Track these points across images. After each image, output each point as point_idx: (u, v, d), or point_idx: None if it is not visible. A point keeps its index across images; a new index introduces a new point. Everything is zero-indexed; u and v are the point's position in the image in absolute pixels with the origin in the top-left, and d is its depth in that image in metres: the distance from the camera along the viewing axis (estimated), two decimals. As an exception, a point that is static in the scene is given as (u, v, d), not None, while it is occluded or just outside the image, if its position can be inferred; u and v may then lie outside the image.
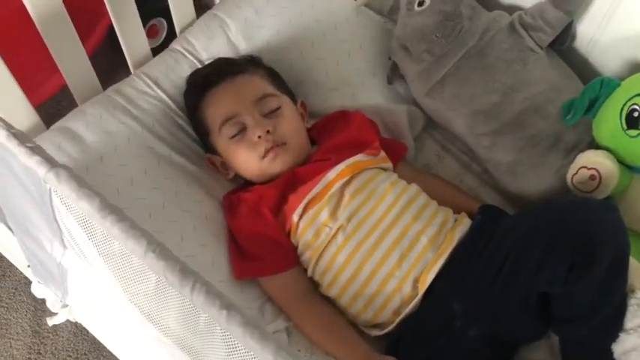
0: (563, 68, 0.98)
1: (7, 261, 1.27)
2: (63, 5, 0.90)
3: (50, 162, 0.62)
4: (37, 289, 1.01)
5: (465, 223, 0.90)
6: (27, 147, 0.62)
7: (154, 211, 0.89)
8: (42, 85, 1.34)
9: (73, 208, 0.63)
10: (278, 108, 0.95)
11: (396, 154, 1.01)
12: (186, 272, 0.56)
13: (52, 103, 1.40)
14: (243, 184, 0.99)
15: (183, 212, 0.91)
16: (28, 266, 1.00)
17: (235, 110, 0.93)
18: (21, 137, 0.63)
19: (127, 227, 0.58)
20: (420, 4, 1.01)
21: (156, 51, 1.65)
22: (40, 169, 0.62)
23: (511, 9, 1.02)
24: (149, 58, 1.10)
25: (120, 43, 1.04)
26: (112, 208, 0.60)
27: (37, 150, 0.63)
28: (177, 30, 1.13)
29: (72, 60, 0.97)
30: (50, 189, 0.64)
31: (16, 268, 1.27)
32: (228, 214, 0.95)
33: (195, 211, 0.93)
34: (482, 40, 0.97)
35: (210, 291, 0.56)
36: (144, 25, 1.59)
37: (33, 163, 0.62)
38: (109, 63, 1.20)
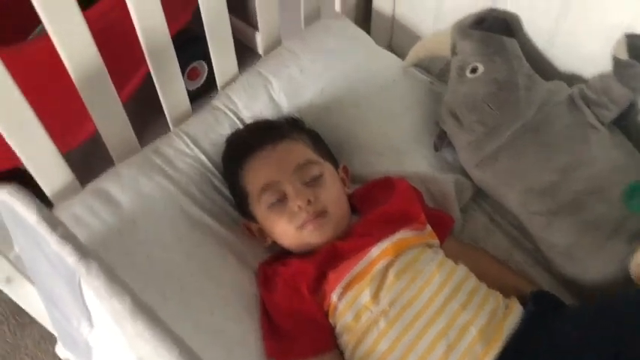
0: (626, 146, 0.91)
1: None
2: (100, 58, 0.88)
3: (81, 251, 0.59)
4: (62, 351, 0.98)
5: (516, 312, 0.83)
6: (58, 234, 0.59)
7: (184, 281, 0.85)
8: (75, 132, 1.33)
9: (103, 302, 0.59)
10: (320, 176, 0.91)
11: (443, 228, 0.96)
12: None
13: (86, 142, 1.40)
14: (280, 252, 0.95)
15: (214, 283, 0.87)
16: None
17: (276, 178, 0.89)
18: (51, 221, 0.60)
19: (159, 332, 0.53)
20: (473, 70, 0.96)
21: (195, 94, 1.67)
22: (71, 258, 0.59)
23: (570, 78, 0.96)
24: (189, 113, 1.07)
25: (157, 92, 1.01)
26: (143, 308, 0.56)
27: (68, 238, 0.59)
28: (218, 76, 1.10)
29: (108, 115, 0.94)
30: (79, 278, 0.60)
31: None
32: (262, 286, 0.90)
33: (227, 281, 0.88)
34: (539, 113, 0.91)
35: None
36: (184, 68, 1.59)
37: (63, 251, 0.58)
38: (146, 111, 1.19)
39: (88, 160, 1.60)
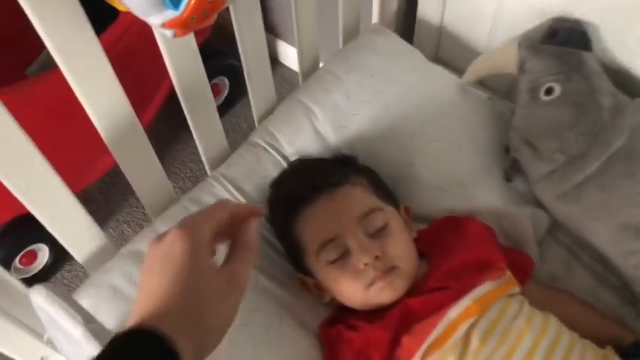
0: None
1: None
2: (126, 99, 0.75)
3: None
4: None
5: (617, 367, 0.74)
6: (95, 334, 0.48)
7: (241, 356, 0.75)
8: (94, 167, 1.23)
9: None
10: (385, 225, 0.80)
11: (523, 272, 0.85)
12: None
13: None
14: (341, 308, 0.84)
15: (275, 356, 0.77)
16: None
17: (336, 232, 0.78)
18: (96, 333, 0.49)
19: None
20: (548, 92, 0.85)
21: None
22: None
23: (660, 95, 0.85)
24: (226, 151, 0.96)
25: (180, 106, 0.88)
26: None
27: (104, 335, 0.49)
28: (253, 103, 0.98)
29: (140, 167, 0.84)
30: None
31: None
32: (327, 354, 0.80)
33: (288, 352, 0.78)
34: (630, 140, 0.80)
35: None
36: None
37: None
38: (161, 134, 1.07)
39: (107, 191, 1.51)
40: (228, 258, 0.54)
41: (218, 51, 1.46)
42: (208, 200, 0.87)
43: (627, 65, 0.88)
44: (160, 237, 0.53)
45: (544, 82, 0.85)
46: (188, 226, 0.52)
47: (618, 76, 0.87)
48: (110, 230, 1.47)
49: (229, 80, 1.54)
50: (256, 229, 0.56)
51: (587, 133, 0.82)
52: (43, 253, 1.31)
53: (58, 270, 1.40)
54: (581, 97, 0.83)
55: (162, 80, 1.27)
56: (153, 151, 0.84)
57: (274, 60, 1.68)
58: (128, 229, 1.46)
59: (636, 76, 0.88)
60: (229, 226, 0.56)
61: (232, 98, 1.58)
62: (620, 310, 0.88)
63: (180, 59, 0.78)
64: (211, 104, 0.87)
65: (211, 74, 1.48)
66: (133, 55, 1.15)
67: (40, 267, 1.32)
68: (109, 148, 0.77)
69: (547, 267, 0.91)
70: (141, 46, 1.14)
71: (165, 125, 1.18)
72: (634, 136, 0.80)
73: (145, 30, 0.72)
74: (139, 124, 0.80)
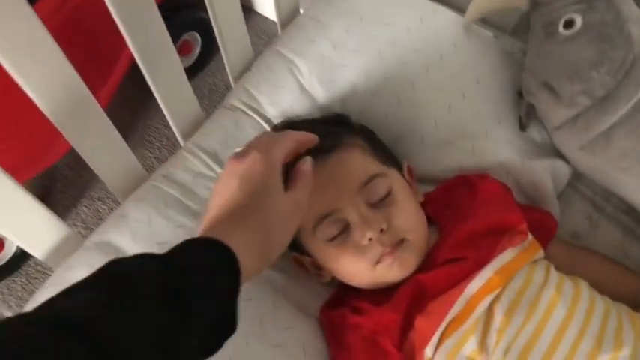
0: None
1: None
2: (78, 77, 0.64)
3: None
4: None
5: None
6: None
7: (235, 353, 0.65)
8: (48, 152, 1.10)
9: None
10: (388, 193, 0.69)
11: (546, 233, 0.75)
12: None
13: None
14: (344, 288, 0.75)
15: (273, 349, 0.68)
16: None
17: (334, 204, 0.68)
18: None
19: None
20: (568, 24, 0.73)
21: (188, 73, 1.42)
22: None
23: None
24: (200, 117, 0.84)
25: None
26: None
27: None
28: (226, 59, 0.85)
29: (98, 145, 0.71)
30: None
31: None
32: (331, 341, 0.71)
33: (288, 343, 0.69)
34: (667, 75, 0.69)
35: None
36: (175, 41, 1.34)
37: None
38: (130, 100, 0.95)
39: (77, 166, 1.39)
40: (292, 186, 0.57)
41: (186, 4, 1.32)
42: (183, 178, 0.76)
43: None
44: (240, 156, 0.56)
45: (562, 14, 0.73)
46: (266, 151, 0.56)
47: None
48: (84, 209, 1.35)
49: (201, 36, 1.40)
50: (311, 160, 0.60)
51: (615, 71, 0.70)
52: (10, 243, 1.20)
53: (30, 258, 1.30)
54: (606, 27, 0.71)
55: (121, 49, 1.14)
56: (114, 129, 0.72)
57: (248, 9, 1.54)
58: (103, 207, 1.35)
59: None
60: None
61: (206, 55, 1.44)
62: (652, 267, 0.79)
63: (134, 19, 0.65)
64: (177, 67, 0.75)
65: (179, 30, 1.35)
66: (81, 24, 1.01)
67: (9, 257, 1.21)
68: (61, 130, 0.65)
69: (569, 223, 0.82)
70: (89, 13, 1.00)
71: (136, 89, 1.05)
72: (671, 70, 0.69)
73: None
74: (94, 100, 0.67)
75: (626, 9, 0.72)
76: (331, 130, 0.73)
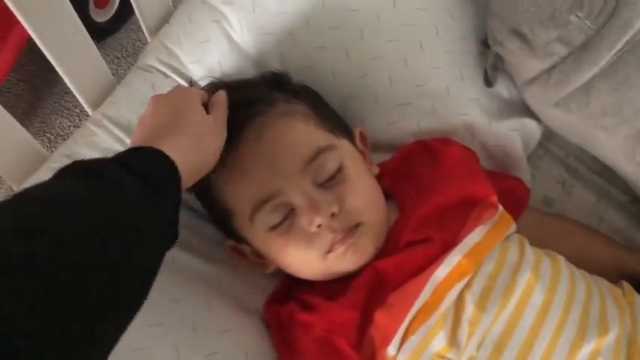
0: None
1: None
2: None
3: None
4: None
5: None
6: None
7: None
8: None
9: None
10: (340, 168, 0.58)
11: (517, 203, 0.67)
12: None
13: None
14: (290, 277, 0.64)
15: (209, 358, 0.57)
16: None
17: (275, 186, 0.57)
18: None
19: None
20: (541, -41, 0.62)
21: (107, 27, 1.26)
22: None
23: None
24: (110, 83, 0.70)
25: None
26: None
27: None
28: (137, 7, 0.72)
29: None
30: None
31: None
32: (279, 343, 0.61)
33: (226, 349, 0.59)
34: (654, 19, 0.60)
35: None
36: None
37: None
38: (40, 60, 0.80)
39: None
40: (210, 110, 0.58)
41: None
42: (87, 154, 0.63)
43: None
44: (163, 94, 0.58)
45: (534, -54, 0.62)
46: (185, 88, 0.62)
47: None
48: None
49: (119, -15, 1.23)
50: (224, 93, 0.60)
51: (596, 14, 0.61)
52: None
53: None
54: (585, -38, 0.61)
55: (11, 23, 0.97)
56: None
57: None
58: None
59: None
60: None
61: (127, 7, 1.27)
62: (628, 233, 0.73)
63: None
64: (75, 22, 0.60)
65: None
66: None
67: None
68: None
69: (540, 188, 0.75)
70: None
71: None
72: (658, 13, 0.59)
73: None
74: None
75: (608, -60, 0.62)
76: (267, 95, 0.61)
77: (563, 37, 0.62)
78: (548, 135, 0.75)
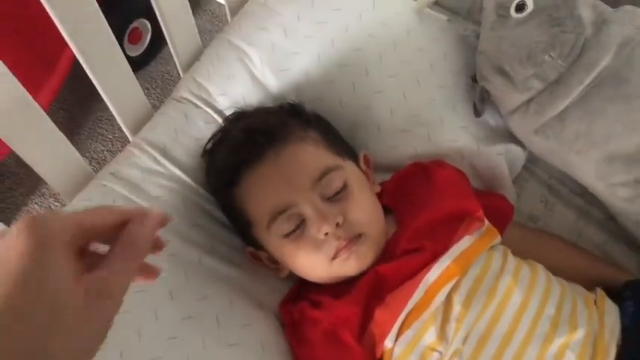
0: None
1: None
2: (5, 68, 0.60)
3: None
4: None
5: (610, 313, 0.67)
6: None
7: (192, 355, 0.64)
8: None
9: None
10: (344, 186, 0.68)
11: (502, 219, 0.75)
12: None
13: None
14: (302, 281, 0.74)
15: (231, 348, 0.66)
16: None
17: (288, 200, 0.66)
18: None
19: None
20: (520, 8, 0.72)
21: (140, 60, 1.37)
22: None
23: (643, 2, 0.73)
24: (147, 112, 0.81)
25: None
26: None
27: None
28: (167, 35, 0.82)
29: (38, 145, 0.68)
30: None
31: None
32: (291, 337, 0.70)
33: (246, 341, 0.67)
34: (618, 57, 0.69)
35: None
36: (123, 32, 1.29)
37: None
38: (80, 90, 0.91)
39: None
40: (104, 262, 0.38)
41: (133, -11, 1.27)
42: (130, 174, 0.73)
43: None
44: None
45: (513, -3, 0.72)
46: (38, 219, 0.35)
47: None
48: (36, 206, 1.30)
49: (151, 23, 1.35)
50: (151, 230, 0.41)
51: (567, 54, 0.70)
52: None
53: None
54: (557, 11, 0.71)
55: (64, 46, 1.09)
56: (56, 129, 0.68)
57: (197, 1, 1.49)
58: (56, 204, 1.30)
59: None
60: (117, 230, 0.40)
61: (157, 43, 1.39)
62: (606, 247, 0.81)
63: (71, 15, 0.62)
64: (121, 60, 0.71)
65: (128, 18, 1.30)
66: (18, 17, 0.96)
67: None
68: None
69: (525, 207, 0.83)
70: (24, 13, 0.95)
71: (86, 79, 1.02)
72: (622, 53, 0.69)
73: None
74: (33, 101, 0.63)
75: (577, -9, 0.72)
76: (285, 121, 0.71)
77: (539, 73, 0.72)
78: (533, 159, 0.84)
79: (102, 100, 0.73)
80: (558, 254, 0.76)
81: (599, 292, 0.71)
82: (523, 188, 0.84)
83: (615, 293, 0.71)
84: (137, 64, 1.38)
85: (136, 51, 1.36)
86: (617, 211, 0.76)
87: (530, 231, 0.80)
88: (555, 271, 0.71)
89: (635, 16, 0.71)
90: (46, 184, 1.32)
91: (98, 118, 1.36)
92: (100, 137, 1.33)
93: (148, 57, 1.40)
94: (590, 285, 0.72)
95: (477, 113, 0.80)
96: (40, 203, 1.31)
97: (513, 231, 0.77)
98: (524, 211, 0.82)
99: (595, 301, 0.69)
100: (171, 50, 0.83)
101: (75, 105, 1.36)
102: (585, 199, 0.82)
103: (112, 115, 0.76)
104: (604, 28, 0.70)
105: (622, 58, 0.69)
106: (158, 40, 1.39)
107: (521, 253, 0.72)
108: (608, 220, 0.81)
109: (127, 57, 0.73)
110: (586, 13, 0.71)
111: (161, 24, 0.79)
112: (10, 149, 0.87)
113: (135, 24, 1.32)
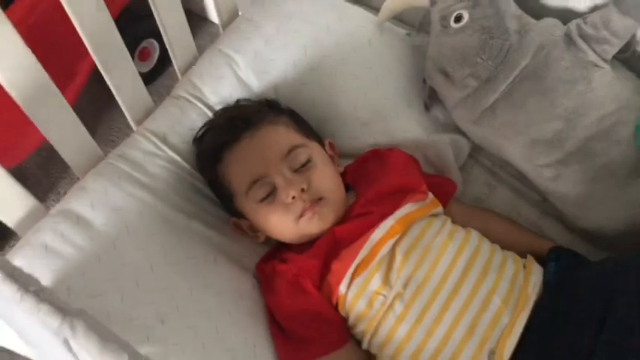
0: (631, 80, 0.85)
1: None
2: (38, 63, 0.76)
3: (62, 310, 0.50)
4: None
5: (536, 272, 0.79)
6: (31, 293, 0.50)
7: (181, 301, 0.77)
8: (23, 142, 1.21)
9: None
10: (309, 160, 0.82)
11: (445, 194, 0.89)
12: None
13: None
14: (277, 246, 0.88)
15: (214, 297, 0.79)
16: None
17: (262, 170, 0.80)
18: (22, 280, 0.51)
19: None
20: (458, 19, 0.87)
21: (149, 76, 1.54)
22: (51, 321, 0.50)
23: (562, 14, 0.88)
24: (150, 107, 0.97)
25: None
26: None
27: (43, 294, 0.50)
28: (174, 56, 0.98)
29: (60, 127, 0.83)
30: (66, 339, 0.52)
31: None
32: (264, 289, 0.83)
33: (227, 292, 0.81)
34: (536, 58, 0.83)
35: None
36: (133, 50, 1.46)
37: (41, 314, 0.50)
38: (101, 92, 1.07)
39: (49, 164, 1.49)
40: None
41: (145, 14, 1.44)
42: (134, 155, 0.88)
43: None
44: None
45: (453, 10, 0.88)
46: None
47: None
48: (52, 203, 1.46)
49: (159, 43, 1.52)
50: None
51: (495, 57, 0.85)
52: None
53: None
54: (488, 21, 0.86)
55: (84, 56, 1.26)
56: (77, 119, 0.84)
57: (204, 19, 1.66)
58: (70, 201, 1.45)
59: (539, -2, 0.91)
60: None
61: (164, 61, 1.56)
62: (540, 223, 0.93)
63: (94, 31, 0.78)
64: (130, 65, 0.87)
65: (139, 37, 1.47)
66: (46, 27, 1.13)
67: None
68: (31, 117, 0.77)
69: (471, 190, 0.96)
70: (54, 22, 1.12)
71: (104, 93, 1.18)
72: (538, 55, 0.83)
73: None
74: (58, 92, 0.79)
75: (505, 6, 0.87)
76: (261, 110, 0.86)
77: (474, 73, 0.86)
78: (478, 149, 0.97)
79: (115, 110, 0.88)
80: (495, 225, 0.89)
81: (529, 257, 0.83)
82: (469, 174, 0.97)
83: (543, 261, 0.84)
84: (145, 79, 1.54)
85: (145, 67, 1.52)
86: (545, 190, 0.89)
87: (471, 206, 0.93)
88: (492, 240, 0.84)
89: (553, 26, 0.86)
90: (61, 185, 1.48)
91: (110, 127, 1.52)
92: (111, 143, 1.49)
93: (155, 73, 1.56)
94: (522, 254, 0.84)
95: (427, 108, 0.94)
96: (55, 200, 1.46)
97: (456, 206, 0.90)
98: (470, 193, 0.96)
99: (524, 265, 0.82)
100: (172, 58, 0.99)
101: (92, 114, 1.52)
102: (523, 182, 0.95)
103: (123, 124, 0.91)
104: (526, 35, 0.85)
105: (539, 59, 0.83)
106: (165, 59, 1.55)
107: (462, 224, 0.85)
108: (542, 201, 0.94)
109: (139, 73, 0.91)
110: (512, 24, 0.86)
111: (165, 42, 0.95)
112: (30, 152, 1.03)
113: (145, 43, 1.49)
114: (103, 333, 0.49)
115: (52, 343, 0.58)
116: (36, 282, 0.51)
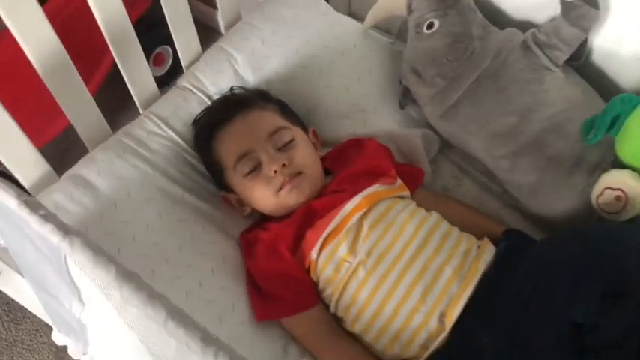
0: (581, 85, 0.95)
1: (28, 302, 1.27)
2: (64, 49, 0.89)
3: (64, 229, 0.61)
4: (58, 338, 1.00)
5: (489, 251, 0.88)
6: (39, 215, 0.61)
7: (170, 256, 0.88)
8: (49, 125, 1.34)
9: (90, 274, 0.62)
10: (291, 140, 0.94)
11: (414, 181, 0.99)
12: (208, 340, 0.54)
13: (62, 138, 1.41)
14: (260, 220, 0.98)
15: (200, 255, 0.90)
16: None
17: (249, 147, 0.92)
18: (32, 205, 0.62)
19: (145, 296, 0.56)
20: (430, 26, 0.99)
21: (162, 79, 1.67)
22: (54, 237, 0.61)
23: (524, 25, 0.99)
24: (157, 95, 1.09)
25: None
26: (129, 276, 0.58)
27: (49, 217, 0.61)
28: (182, 58, 1.11)
29: (78, 105, 0.96)
30: (65, 255, 0.62)
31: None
32: (245, 254, 0.93)
33: (211, 253, 0.91)
34: (495, 61, 0.94)
35: (234, 358, 0.54)
36: (149, 54, 1.59)
37: (46, 231, 0.61)
38: (116, 97, 1.21)
39: (65, 156, 1.62)
40: None
41: (159, 21, 1.58)
42: (139, 134, 0.99)
43: (495, 1, 1.03)
44: None
45: (426, 18, 0.99)
46: None
47: (489, 10, 1.01)
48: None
49: (172, 49, 1.66)
50: None
51: (459, 58, 0.96)
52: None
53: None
54: (455, 28, 0.97)
55: (105, 53, 1.40)
56: (87, 91, 0.96)
57: (214, 30, 1.79)
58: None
59: (503, 10, 1.03)
60: None
61: (177, 66, 1.69)
62: (501, 213, 1.03)
63: (105, 7, 0.91)
64: (137, 47, 1.00)
65: (154, 43, 1.61)
66: (75, 24, 1.27)
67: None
68: (48, 85, 0.89)
69: (440, 180, 1.06)
70: (83, 20, 1.27)
71: (115, 90, 1.31)
72: (498, 57, 0.94)
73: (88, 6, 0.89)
74: (74, 68, 0.92)
75: (472, 17, 0.98)
76: (253, 96, 0.98)
77: (441, 73, 0.97)
78: (448, 147, 1.08)
79: (126, 112, 1.01)
80: (456, 210, 0.98)
81: (486, 239, 0.92)
82: (439, 166, 1.07)
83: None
84: (159, 83, 1.67)
85: (159, 72, 1.66)
86: (503, 180, 0.99)
87: (436, 193, 1.03)
88: (452, 223, 0.93)
89: (513, 34, 0.97)
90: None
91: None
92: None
93: (170, 77, 1.69)
94: (480, 237, 0.92)
95: (401, 105, 1.05)
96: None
97: (422, 192, 1.00)
98: (438, 184, 1.05)
99: (479, 246, 0.91)
100: (180, 55, 1.11)
101: (106, 114, 1.66)
102: (487, 177, 1.05)
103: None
104: (488, 41, 0.96)
105: (498, 62, 0.94)
106: (178, 64, 1.69)
107: (426, 207, 0.95)
108: (503, 193, 1.03)
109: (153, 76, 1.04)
110: (477, 31, 0.97)
111: (177, 48, 1.08)
112: (43, 144, 1.15)
113: (160, 49, 1.63)
114: (96, 248, 0.60)
115: (53, 271, 0.69)
116: (44, 208, 0.62)
